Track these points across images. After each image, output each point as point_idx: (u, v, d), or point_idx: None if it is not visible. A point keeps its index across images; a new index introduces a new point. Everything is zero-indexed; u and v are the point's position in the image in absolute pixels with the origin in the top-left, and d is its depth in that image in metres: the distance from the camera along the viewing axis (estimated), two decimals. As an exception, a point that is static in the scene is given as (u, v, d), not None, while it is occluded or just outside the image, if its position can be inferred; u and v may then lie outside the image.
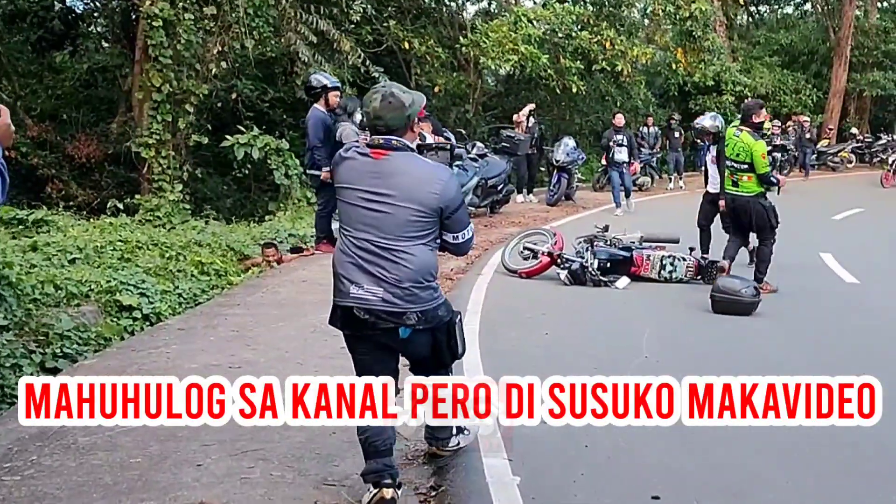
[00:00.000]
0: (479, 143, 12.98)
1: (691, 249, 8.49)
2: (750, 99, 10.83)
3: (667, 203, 15.24)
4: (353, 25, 14.17)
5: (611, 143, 13.21)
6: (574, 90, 15.20)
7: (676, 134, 18.87)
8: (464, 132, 13.82)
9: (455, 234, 3.33)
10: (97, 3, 15.40)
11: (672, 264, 8.25)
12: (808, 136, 22.18)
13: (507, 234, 10.56)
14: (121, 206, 11.04)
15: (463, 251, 3.49)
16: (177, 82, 11.00)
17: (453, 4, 18.64)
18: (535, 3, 17.77)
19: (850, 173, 23.29)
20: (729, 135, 7.72)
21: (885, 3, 32.66)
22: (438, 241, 3.33)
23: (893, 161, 19.68)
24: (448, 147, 3.72)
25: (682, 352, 5.75)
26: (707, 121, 9.07)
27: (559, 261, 8.06)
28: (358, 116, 8.47)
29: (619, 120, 13.51)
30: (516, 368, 4.32)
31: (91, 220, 9.95)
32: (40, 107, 13.82)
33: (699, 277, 8.23)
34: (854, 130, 27.05)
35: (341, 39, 12.27)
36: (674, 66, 17.26)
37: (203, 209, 12.43)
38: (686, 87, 23.73)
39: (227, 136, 11.30)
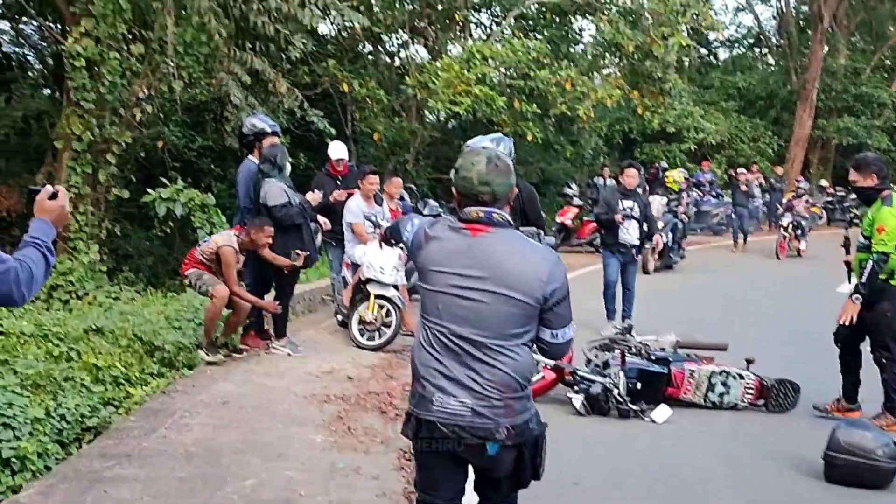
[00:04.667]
0: (432, 202, 13.10)
1: (749, 362, 7.20)
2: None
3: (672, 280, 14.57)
4: (289, 66, 14.73)
5: (613, 216, 9.96)
6: (530, 137, 15.90)
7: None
8: (414, 188, 14.30)
9: (555, 332, 3.14)
10: (34, 48, 15.79)
11: (724, 383, 7.01)
12: (778, 187, 22.53)
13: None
14: (32, 270, 11.00)
15: (561, 353, 3.29)
16: (99, 130, 11.16)
17: (395, 41, 19.42)
18: (482, 39, 18.54)
19: (824, 231, 23.89)
20: None
21: (858, 42, 33.77)
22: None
23: (789, 223, 18.73)
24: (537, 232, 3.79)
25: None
26: None
27: (573, 378, 6.82)
28: (288, 171, 8.19)
29: (632, 178, 10.19)
30: None
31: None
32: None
33: (761, 402, 7.09)
34: (824, 182, 27.98)
35: (277, 80, 12.60)
36: (640, 111, 18.12)
37: (122, 269, 12.57)
38: (632, 133, 24.91)
39: (149, 190, 11.43)
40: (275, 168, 7.92)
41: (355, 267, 9.28)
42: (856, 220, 21.65)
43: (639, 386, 6.78)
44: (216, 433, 5.77)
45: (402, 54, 19.41)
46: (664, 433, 6.42)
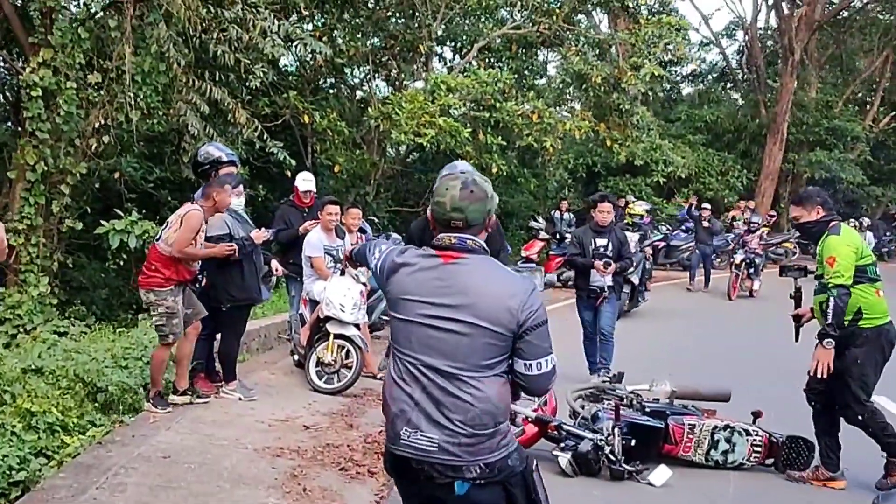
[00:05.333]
0: (395, 235, 12.91)
1: (755, 416, 6.70)
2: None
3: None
4: (249, 96, 14.77)
5: (592, 263, 9.33)
6: (494, 170, 16.01)
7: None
8: (376, 221, 14.30)
9: (529, 362, 3.03)
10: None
11: (729, 440, 6.44)
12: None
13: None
14: (-23, 303, 10.90)
15: (540, 388, 3.16)
16: (53, 160, 11.13)
17: (357, 74, 19.53)
18: (446, 71, 18.74)
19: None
20: None
21: (828, 75, 34.24)
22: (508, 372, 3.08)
23: (742, 261, 18.04)
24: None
25: None
26: None
27: (558, 434, 6.25)
28: (238, 200, 7.82)
29: (605, 213, 9.51)
30: None
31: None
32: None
33: (770, 462, 6.59)
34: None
35: (237, 110, 12.60)
36: (607, 143, 18.33)
37: (74, 302, 12.46)
38: (595, 167, 25.13)
39: (103, 222, 11.36)
40: None
41: (314, 304, 9.00)
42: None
43: (633, 443, 6.13)
44: (153, 496, 5.17)
45: (365, 87, 19.57)
46: (663, 499, 5.86)
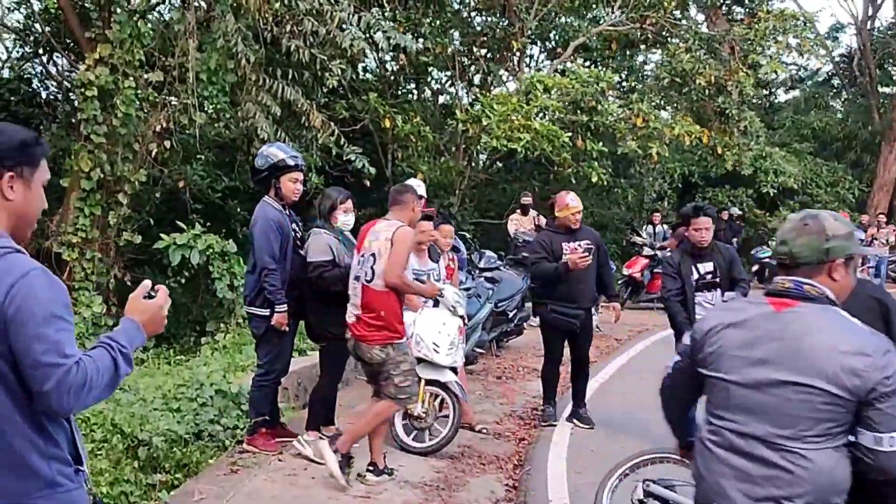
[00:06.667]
0: (489, 253, 11.93)
1: None
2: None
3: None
4: (325, 98, 13.81)
5: (685, 287, 7.36)
6: (594, 179, 14.75)
7: None
8: (467, 236, 13.15)
9: (879, 436, 2.61)
10: (59, 85, 15.71)
11: None
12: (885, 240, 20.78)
13: (528, 390, 9.45)
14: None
15: (891, 468, 2.68)
16: (110, 167, 10.34)
17: (441, 77, 18.53)
18: (538, 71, 17.62)
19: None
20: None
21: None
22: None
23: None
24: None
25: None
26: None
27: None
28: (346, 218, 6.72)
29: (702, 231, 7.34)
30: None
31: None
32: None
33: None
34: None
35: (311, 112, 11.62)
36: (718, 150, 16.94)
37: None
38: (692, 177, 23.68)
39: (163, 236, 10.62)
40: (320, 216, 6.66)
41: None
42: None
43: None
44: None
45: (451, 89, 18.62)
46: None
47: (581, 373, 8.18)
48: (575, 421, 8.10)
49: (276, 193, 6.55)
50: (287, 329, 6.56)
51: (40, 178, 2.55)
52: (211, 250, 10.61)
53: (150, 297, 2.69)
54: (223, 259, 10.81)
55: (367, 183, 12.60)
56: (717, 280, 7.39)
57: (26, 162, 2.49)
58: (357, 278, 6.05)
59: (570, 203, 7.89)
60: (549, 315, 7.92)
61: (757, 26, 16.07)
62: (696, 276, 7.35)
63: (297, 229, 6.75)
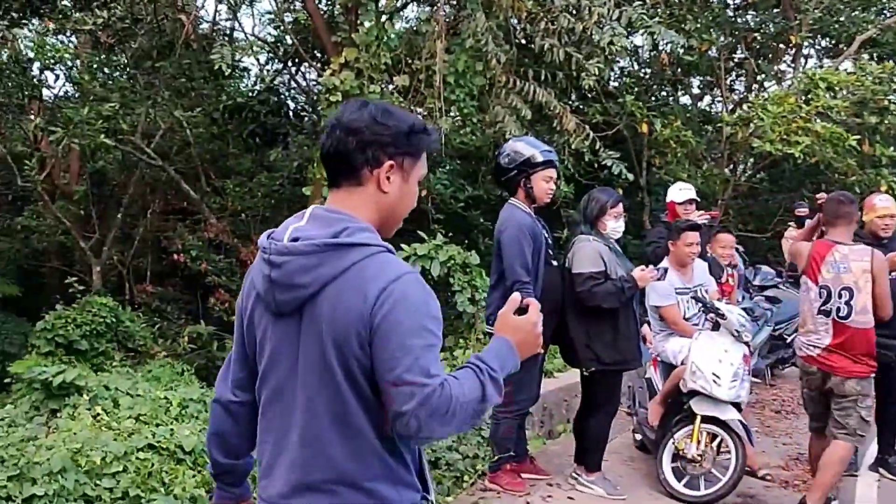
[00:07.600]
0: (765, 268, 11.01)
1: None
2: None
3: None
4: (578, 101, 13.04)
5: None
6: (884, 188, 13.00)
7: None
8: (741, 249, 11.92)
9: None
10: (306, 94, 16.66)
11: None
12: None
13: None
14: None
15: None
16: (353, 174, 10.11)
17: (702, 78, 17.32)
18: (818, 68, 15.99)
19: None
20: None
21: None
22: None
23: None
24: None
25: None
26: None
27: None
28: (615, 224, 5.80)
29: None
30: None
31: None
32: (256, 206, 15.47)
33: None
34: None
35: (564, 115, 10.82)
36: None
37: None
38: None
39: (403, 246, 10.29)
40: (581, 221, 5.88)
41: (668, 367, 6.61)
42: None
43: None
44: None
45: (714, 91, 17.34)
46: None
47: (892, 412, 6.84)
48: (881, 470, 6.89)
49: (527, 195, 5.67)
50: (541, 352, 5.67)
51: (417, 173, 2.34)
52: (452, 261, 10.30)
53: (522, 312, 2.38)
54: (464, 271, 10.44)
55: (620, 191, 11.71)
56: None
57: (411, 152, 2.28)
58: (825, 313, 5.66)
59: (878, 204, 6.60)
60: None
61: None
62: None
63: (548, 237, 5.86)
